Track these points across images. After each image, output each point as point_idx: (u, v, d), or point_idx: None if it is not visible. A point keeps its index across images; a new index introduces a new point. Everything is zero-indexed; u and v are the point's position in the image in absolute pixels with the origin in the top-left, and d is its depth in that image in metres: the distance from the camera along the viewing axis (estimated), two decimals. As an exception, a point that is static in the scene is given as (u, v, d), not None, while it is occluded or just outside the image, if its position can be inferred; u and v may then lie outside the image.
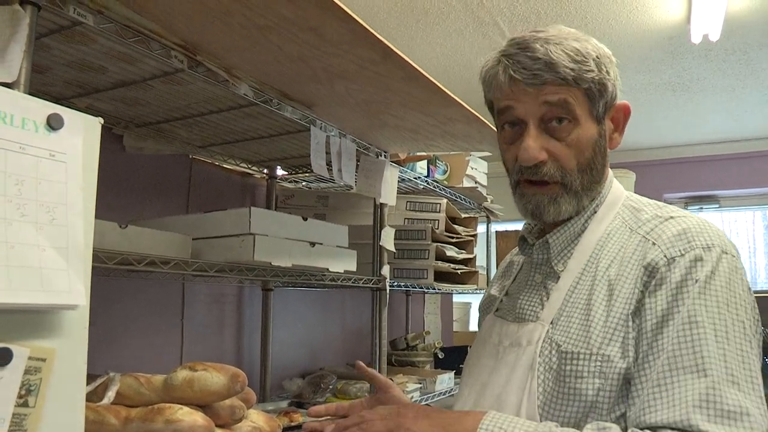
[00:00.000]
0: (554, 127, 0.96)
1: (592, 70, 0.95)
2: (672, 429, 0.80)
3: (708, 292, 0.86)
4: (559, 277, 1.02)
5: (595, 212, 1.04)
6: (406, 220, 2.52)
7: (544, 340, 0.97)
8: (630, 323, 0.90)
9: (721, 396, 0.79)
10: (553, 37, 0.96)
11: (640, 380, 0.87)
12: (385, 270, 2.00)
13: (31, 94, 0.86)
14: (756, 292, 0.92)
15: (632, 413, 0.86)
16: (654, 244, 0.93)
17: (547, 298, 1.02)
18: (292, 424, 1.69)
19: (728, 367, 0.82)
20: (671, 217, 0.97)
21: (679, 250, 0.90)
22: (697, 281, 0.87)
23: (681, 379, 0.82)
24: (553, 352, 0.95)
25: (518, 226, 4.48)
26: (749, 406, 0.79)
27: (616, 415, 0.89)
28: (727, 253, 0.90)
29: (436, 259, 2.37)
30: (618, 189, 1.07)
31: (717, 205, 5.38)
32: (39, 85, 1.40)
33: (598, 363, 0.90)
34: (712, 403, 0.79)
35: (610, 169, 1.09)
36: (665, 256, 0.91)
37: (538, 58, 0.94)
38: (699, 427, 0.78)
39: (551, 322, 0.98)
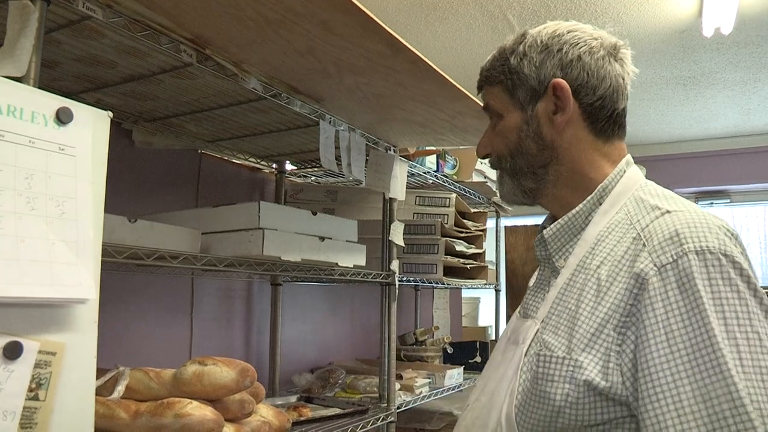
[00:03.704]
0: (495, 125, 1.08)
1: (504, 64, 1.03)
2: None
3: (715, 306, 0.80)
4: (559, 274, 0.99)
5: (600, 203, 0.99)
6: (416, 215, 2.52)
7: (533, 340, 0.95)
8: (613, 334, 0.85)
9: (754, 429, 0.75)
10: (505, 41, 1.07)
11: (653, 405, 0.80)
12: (395, 265, 2.00)
13: (40, 88, 0.86)
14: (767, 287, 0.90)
15: None
16: (644, 245, 0.88)
17: (546, 295, 0.99)
18: (301, 418, 1.70)
19: (757, 395, 0.77)
20: (668, 211, 0.91)
21: (670, 256, 0.84)
22: (697, 295, 0.81)
23: (718, 411, 0.77)
24: (536, 352, 0.93)
25: (528, 221, 4.48)
26: None
27: (583, 425, 0.86)
28: (725, 255, 0.83)
29: (445, 254, 2.36)
30: (631, 179, 1.00)
31: (728, 200, 5.35)
32: (48, 80, 1.41)
33: (570, 368, 0.86)
34: None
35: (628, 156, 1.03)
36: (655, 264, 0.85)
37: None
38: None
39: (543, 321, 0.95)
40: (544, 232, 1.02)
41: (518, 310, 1.12)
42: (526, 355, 0.94)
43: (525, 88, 1.01)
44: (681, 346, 0.80)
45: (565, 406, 0.86)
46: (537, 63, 1.00)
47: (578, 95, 0.99)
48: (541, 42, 1.01)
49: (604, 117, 1.01)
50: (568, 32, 1.01)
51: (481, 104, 1.11)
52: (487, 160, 1.13)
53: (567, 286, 0.95)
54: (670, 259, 0.84)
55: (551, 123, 1.00)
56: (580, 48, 1.00)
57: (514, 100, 1.03)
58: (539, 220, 1.17)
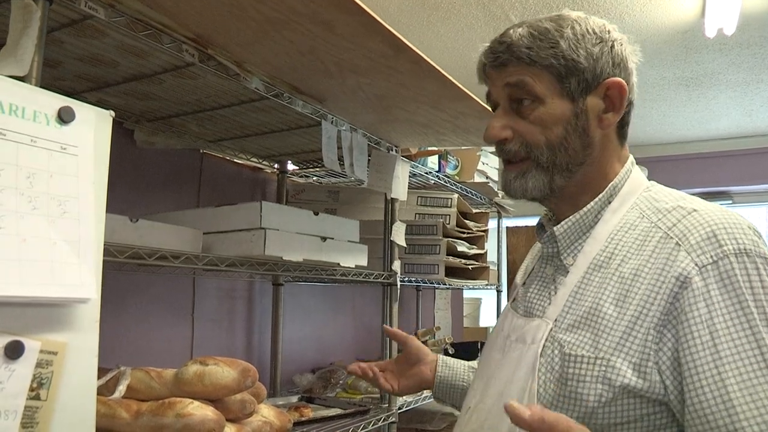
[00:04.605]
0: (520, 107, 0.98)
1: (555, 47, 0.94)
2: None
3: (757, 307, 0.81)
4: (568, 272, 0.97)
5: (610, 202, 0.98)
6: (417, 215, 2.52)
7: (547, 339, 0.92)
8: (653, 332, 0.84)
9: None
10: (536, 20, 0.99)
11: (701, 405, 0.80)
12: (396, 265, 1.99)
13: (42, 88, 0.86)
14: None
15: None
16: (679, 244, 0.87)
17: (555, 294, 0.97)
18: (303, 418, 1.69)
19: None
20: (695, 210, 0.90)
21: (711, 257, 0.84)
22: (742, 297, 0.82)
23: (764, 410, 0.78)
24: (556, 352, 0.90)
25: (529, 221, 4.46)
26: None
27: (615, 422, 0.85)
28: (761, 256, 0.84)
29: (446, 255, 2.36)
30: (637, 179, 1.01)
31: (730, 201, 5.34)
32: (50, 80, 1.41)
33: (602, 368, 0.85)
34: None
35: (631, 156, 1.03)
36: (696, 264, 0.84)
37: (503, 42, 0.97)
38: None
39: (555, 320, 0.93)
40: (555, 228, 1.00)
41: (511, 305, 1.10)
42: (542, 355, 0.92)
43: (578, 79, 0.95)
44: (726, 345, 0.81)
45: (599, 407, 0.85)
46: (594, 55, 0.95)
47: None
48: (594, 33, 0.96)
49: (628, 121, 1.01)
50: (614, 30, 0.99)
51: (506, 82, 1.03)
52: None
53: (581, 284, 0.94)
54: (710, 260, 0.84)
55: (599, 121, 0.97)
56: (625, 49, 0.98)
57: (563, 88, 0.95)
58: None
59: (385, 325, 1.36)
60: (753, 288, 0.83)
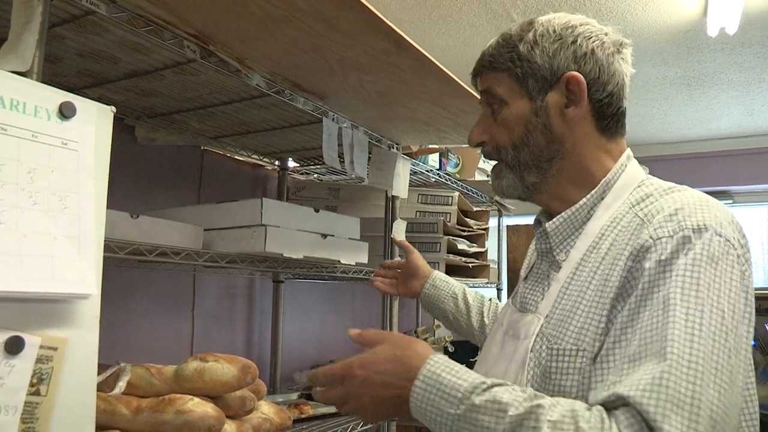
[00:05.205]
0: (493, 112, 1.03)
1: (512, 51, 1.00)
2: (618, 407, 0.74)
3: (688, 274, 0.79)
4: (560, 267, 0.98)
5: (603, 198, 0.98)
6: (418, 213, 2.51)
7: (537, 335, 0.93)
8: (607, 309, 0.85)
9: (674, 382, 0.72)
10: (510, 28, 1.04)
11: (607, 365, 0.82)
12: (396, 263, 1.99)
13: (43, 83, 0.86)
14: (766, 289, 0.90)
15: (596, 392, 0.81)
16: (643, 223, 0.88)
17: (548, 289, 0.98)
18: (302, 416, 1.69)
19: (692, 355, 0.74)
20: (671, 190, 0.92)
21: (668, 231, 0.84)
22: (678, 264, 0.80)
23: (644, 363, 0.76)
24: (544, 347, 0.91)
25: (530, 220, 4.46)
26: (702, 399, 0.71)
27: None
28: (720, 236, 0.82)
29: (447, 252, 2.36)
30: (632, 174, 1.00)
31: (731, 201, 5.33)
32: (51, 75, 1.40)
33: (583, 359, 0.86)
34: (664, 387, 0.72)
35: (628, 151, 1.03)
36: (652, 237, 0.84)
37: (480, 54, 1.06)
38: (643, 407, 0.71)
39: (547, 316, 0.94)
40: (547, 225, 1.01)
41: (511, 300, 1.11)
42: (531, 350, 0.93)
43: (536, 78, 0.98)
44: (647, 308, 0.80)
45: (578, 396, 0.85)
46: (550, 53, 0.98)
47: (589, 90, 0.97)
48: (554, 31, 0.99)
49: (610, 114, 1.00)
50: (581, 24, 1.00)
51: (480, 90, 1.07)
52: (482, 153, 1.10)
53: (571, 280, 0.94)
54: (668, 233, 0.84)
55: (562, 116, 0.98)
56: (593, 42, 0.98)
57: (523, 89, 0.99)
58: (542, 218, 1.15)
59: (393, 235, 1.76)
60: (694, 259, 0.80)
